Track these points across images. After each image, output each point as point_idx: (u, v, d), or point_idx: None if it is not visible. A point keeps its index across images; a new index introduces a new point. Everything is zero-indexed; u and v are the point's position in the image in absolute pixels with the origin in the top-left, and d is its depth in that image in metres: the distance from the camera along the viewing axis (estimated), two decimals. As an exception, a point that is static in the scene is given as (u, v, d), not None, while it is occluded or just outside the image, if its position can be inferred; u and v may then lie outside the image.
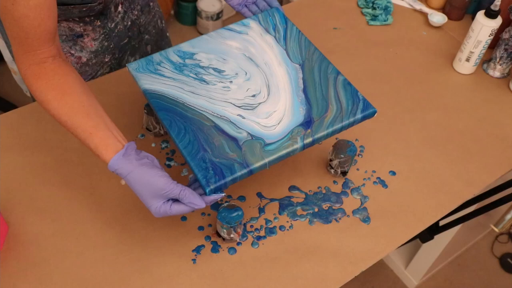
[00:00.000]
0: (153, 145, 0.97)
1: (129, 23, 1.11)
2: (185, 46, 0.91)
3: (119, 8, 1.06)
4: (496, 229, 1.38)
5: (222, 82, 0.86)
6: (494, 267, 2.03)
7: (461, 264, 2.02)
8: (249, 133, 0.80)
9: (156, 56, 0.89)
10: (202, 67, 0.88)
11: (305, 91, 0.85)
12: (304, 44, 0.92)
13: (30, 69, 0.76)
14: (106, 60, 1.11)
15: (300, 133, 0.80)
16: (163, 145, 0.97)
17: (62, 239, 0.84)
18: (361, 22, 1.30)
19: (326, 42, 1.22)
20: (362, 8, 1.33)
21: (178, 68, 0.88)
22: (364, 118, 0.83)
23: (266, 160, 0.77)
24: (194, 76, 0.87)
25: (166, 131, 0.86)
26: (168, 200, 0.73)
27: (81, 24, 1.02)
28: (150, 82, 0.85)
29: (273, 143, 0.78)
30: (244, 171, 0.76)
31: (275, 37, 0.93)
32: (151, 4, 1.16)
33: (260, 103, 0.84)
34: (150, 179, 0.72)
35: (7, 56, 1.21)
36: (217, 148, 0.78)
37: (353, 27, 1.28)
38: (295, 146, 0.79)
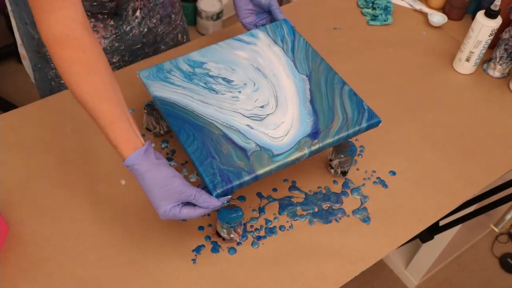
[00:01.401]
0: (153, 145, 0.97)
1: (146, 29, 1.10)
2: (195, 55, 0.93)
3: (137, 13, 1.05)
4: (496, 229, 1.38)
5: (231, 92, 0.88)
6: (494, 267, 2.03)
7: (461, 264, 2.02)
8: (257, 143, 0.81)
9: (167, 65, 0.91)
10: (212, 76, 0.90)
11: (312, 102, 0.87)
12: (311, 55, 0.94)
13: (51, 33, 0.72)
14: (114, 60, 1.10)
15: (307, 143, 0.81)
16: (163, 145, 0.97)
17: (62, 239, 0.84)
18: (361, 22, 1.30)
19: (326, 42, 1.22)
20: (362, 8, 1.33)
21: (188, 77, 0.89)
22: (369, 127, 0.86)
23: (273, 167, 0.79)
24: (204, 85, 0.88)
25: (176, 137, 0.87)
26: (178, 204, 0.73)
27: (92, 20, 1.02)
28: (160, 90, 0.87)
29: (281, 154, 0.80)
30: (251, 177, 0.78)
31: (283, 48, 0.94)
32: (173, 16, 1.16)
33: (268, 114, 0.85)
34: (167, 180, 0.71)
35: (18, 38, 1.21)
36: (225, 156, 0.79)
37: (353, 27, 1.28)
38: (301, 154, 0.80)
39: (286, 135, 0.82)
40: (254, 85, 0.89)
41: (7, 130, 0.98)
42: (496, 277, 2.01)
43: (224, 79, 0.90)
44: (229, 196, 0.77)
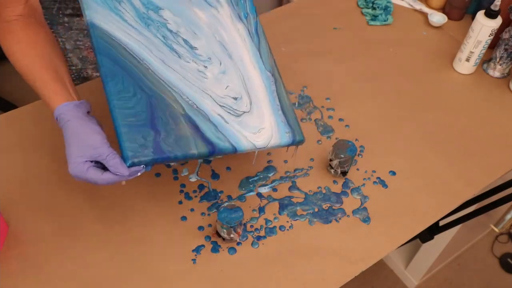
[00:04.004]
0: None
1: None
2: None
3: None
4: (496, 229, 1.38)
5: (195, 62, 0.71)
6: (494, 267, 2.03)
7: (461, 264, 2.02)
8: (235, 146, 0.67)
9: None
10: (171, 31, 0.71)
11: (283, 110, 0.76)
12: (270, 49, 0.80)
13: (1, 26, 0.77)
14: None
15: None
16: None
17: (62, 239, 0.84)
18: (361, 22, 1.30)
19: (326, 42, 1.22)
20: (362, 8, 1.33)
21: (142, 20, 0.69)
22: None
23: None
24: (162, 39, 0.70)
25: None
26: (92, 161, 0.69)
27: None
28: (104, 20, 0.67)
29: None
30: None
31: (247, 28, 0.78)
32: None
33: (244, 112, 0.71)
34: (85, 132, 0.69)
35: None
36: (177, 138, 0.65)
37: (353, 27, 1.28)
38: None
39: (266, 147, 0.72)
40: (220, 64, 0.72)
41: (7, 130, 0.98)
42: (496, 277, 2.01)
43: (185, 41, 0.71)
44: (141, 167, 0.67)
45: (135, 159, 0.65)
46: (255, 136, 0.70)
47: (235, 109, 0.70)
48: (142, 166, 0.67)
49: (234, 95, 0.71)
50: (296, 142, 0.78)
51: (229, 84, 0.71)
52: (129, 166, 0.67)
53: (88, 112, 0.75)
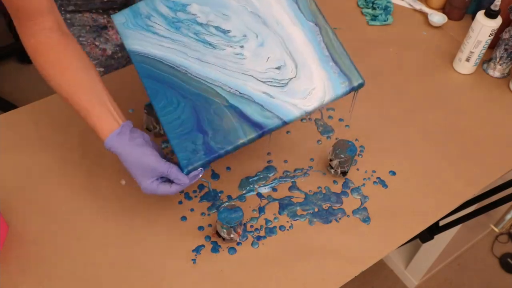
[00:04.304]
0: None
1: None
2: None
3: None
4: (496, 229, 1.38)
5: (231, 46, 0.72)
6: (494, 267, 2.03)
7: (461, 264, 2.02)
8: (282, 119, 0.68)
9: (143, 7, 0.76)
10: (201, 24, 0.74)
11: (334, 60, 0.72)
12: None
13: (30, 42, 0.78)
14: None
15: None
16: (163, 145, 0.97)
17: (62, 239, 0.84)
18: (361, 22, 1.30)
19: (326, 42, 1.22)
20: (362, 8, 1.33)
21: (173, 25, 0.74)
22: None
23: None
24: (195, 36, 0.73)
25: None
26: (157, 178, 0.76)
27: (105, 16, 1.02)
28: (140, 42, 0.73)
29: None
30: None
31: None
32: None
33: (291, 79, 0.70)
34: (140, 158, 0.74)
35: None
36: (224, 132, 0.69)
37: (353, 27, 1.28)
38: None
39: (322, 104, 0.70)
40: (257, 37, 0.72)
41: (7, 130, 0.98)
42: (496, 277, 2.01)
43: (217, 28, 0.73)
44: (199, 170, 0.74)
45: (190, 167, 0.71)
46: (305, 100, 0.69)
47: (280, 80, 0.70)
48: (199, 169, 0.74)
49: (277, 65, 0.71)
50: (356, 88, 0.74)
51: (269, 55, 0.71)
52: (187, 174, 0.74)
53: (131, 128, 0.77)
